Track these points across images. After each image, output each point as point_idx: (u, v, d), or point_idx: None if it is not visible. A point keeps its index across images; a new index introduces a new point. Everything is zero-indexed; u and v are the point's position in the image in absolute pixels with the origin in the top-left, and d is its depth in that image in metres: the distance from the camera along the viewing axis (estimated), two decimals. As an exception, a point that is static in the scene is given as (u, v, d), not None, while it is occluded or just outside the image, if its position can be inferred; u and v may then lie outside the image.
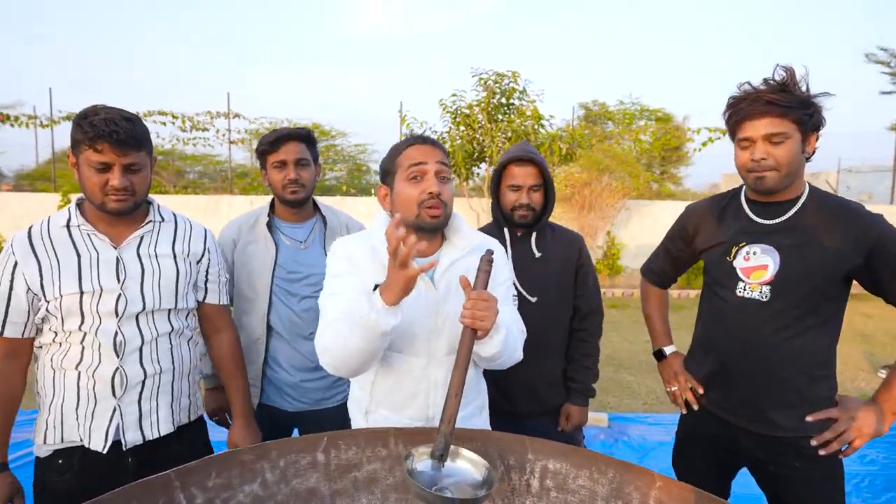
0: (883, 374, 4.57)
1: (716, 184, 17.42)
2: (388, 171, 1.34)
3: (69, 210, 1.40)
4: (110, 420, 1.39)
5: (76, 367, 1.37)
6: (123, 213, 1.38)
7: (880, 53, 10.82)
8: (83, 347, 1.37)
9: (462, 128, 9.40)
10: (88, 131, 1.30)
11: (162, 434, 1.47)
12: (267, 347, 1.80)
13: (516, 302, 1.46)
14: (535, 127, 9.42)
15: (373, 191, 13.09)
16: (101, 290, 1.36)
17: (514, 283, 1.74)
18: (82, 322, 1.36)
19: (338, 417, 1.82)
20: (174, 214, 1.56)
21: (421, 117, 10.95)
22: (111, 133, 1.30)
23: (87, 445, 1.39)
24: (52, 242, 1.36)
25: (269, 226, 1.80)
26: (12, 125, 11.03)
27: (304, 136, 1.78)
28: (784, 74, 1.35)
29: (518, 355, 1.36)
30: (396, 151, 1.33)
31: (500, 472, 1.13)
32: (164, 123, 11.22)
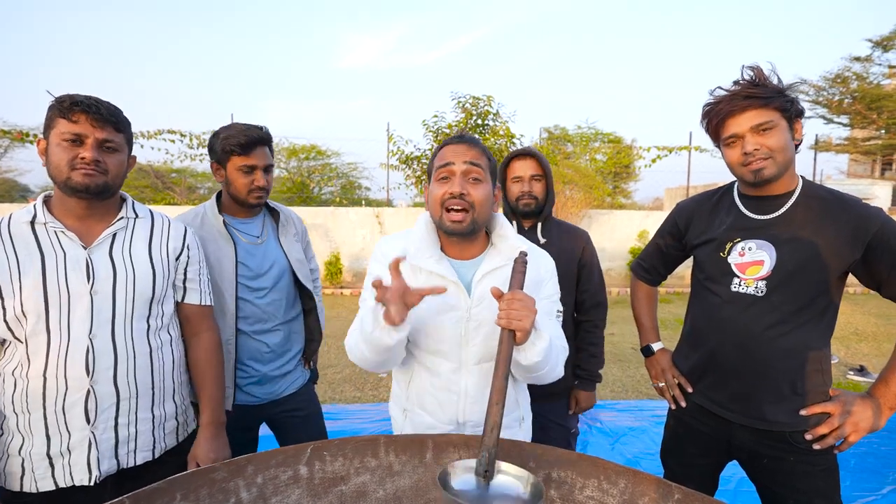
0: (852, 375, 4.29)
1: (658, 197, 17.62)
2: (428, 172, 1.17)
3: (34, 206, 1.12)
4: (88, 450, 1.10)
5: (42, 405, 1.08)
6: (91, 190, 1.09)
7: (800, 84, 11.01)
8: (45, 379, 1.07)
9: (443, 146, 9.24)
10: (65, 101, 1.06)
11: (138, 463, 1.18)
12: (237, 346, 1.55)
13: (560, 318, 1.24)
14: (508, 145, 9.29)
15: (363, 202, 12.81)
16: (69, 295, 1.08)
17: None
18: (48, 337, 1.07)
19: (305, 398, 1.71)
20: (150, 211, 1.28)
21: (406, 136, 10.72)
22: (89, 105, 1.07)
23: (64, 485, 1.10)
24: (11, 239, 1.08)
25: (226, 225, 1.53)
26: (32, 142, 10.44)
27: (269, 140, 1.55)
28: (752, 72, 1.21)
29: (560, 371, 1.12)
30: (435, 152, 1.15)
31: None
32: (173, 141, 10.78)
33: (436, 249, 1.13)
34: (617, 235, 9.89)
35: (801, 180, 1.25)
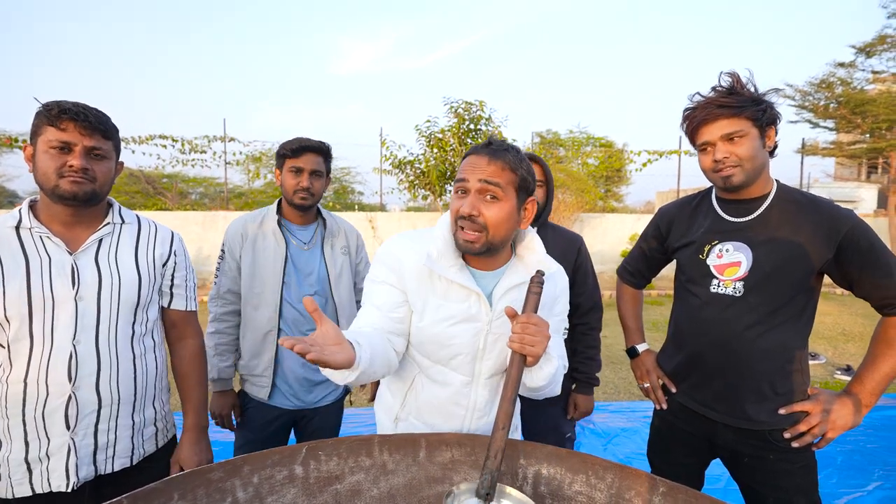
0: (839, 375, 4.36)
1: (650, 201, 17.74)
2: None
3: (20, 211, 1.10)
4: (67, 456, 1.09)
5: (21, 410, 1.06)
6: (79, 198, 1.08)
7: (787, 89, 11.13)
8: (26, 385, 1.06)
9: (435, 150, 9.27)
10: (53, 108, 1.06)
11: (116, 469, 1.17)
12: (277, 339, 1.64)
13: (566, 334, 1.24)
14: (500, 150, 9.34)
15: (356, 207, 12.80)
16: (54, 300, 1.07)
17: None
18: (31, 343, 1.06)
19: (336, 412, 1.78)
20: (137, 216, 1.27)
21: (400, 141, 10.76)
22: (78, 113, 1.07)
23: (41, 491, 1.09)
24: None
25: (280, 225, 1.68)
26: (21, 148, 10.34)
27: (324, 150, 1.69)
28: (730, 79, 1.25)
29: (557, 389, 1.10)
30: (464, 157, 1.06)
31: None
32: (165, 146, 10.72)
33: (458, 258, 1.05)
34: (609, 239, 9.97)
35: (775, 184, 1.29)
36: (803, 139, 12.08)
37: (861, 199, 15.88)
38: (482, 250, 1.01)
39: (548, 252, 1.65)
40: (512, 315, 0.93)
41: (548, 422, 1.71)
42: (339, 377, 0.89)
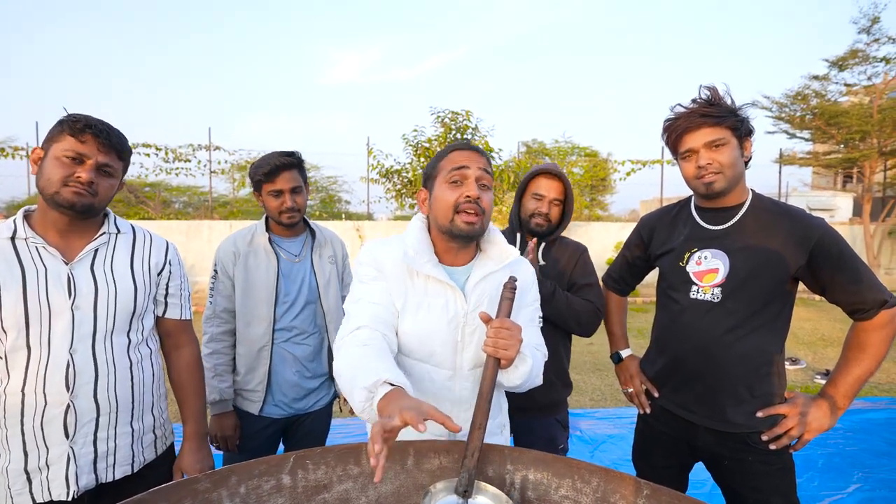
0: (818, 379, 4.43)
1: (635, 209, 18.00)
2: (429, 175, 1.15)
3: (14, 221, 1.11)
4: (67, 465, 1.09)
5: (20, 420, 1.07)
6: (77, 208, 1.09)
7: (763, 101, 11.45)
8: (24, 395, 1.06)
9: (422, 159, 9.30)
10: (79, 121, 1.09)
11: (117, 477, 1.17)
12: (272, 353, 1.67)
13: (541, 323, 1.26)
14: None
15: (343, 216, 12.76)
16: (50, 310, 1.08)
17: None
18: (28, 353, 1.06)
19: (325, 416, 1.81)
20: (132, 226, 1.28)
21: (387, 150, 10.78)
22: (101, 130, 1.10)
23: (41, 500, 1.09)
24: None
25: (271, 241, 1.69)
26: (4, 156, 10.10)
27: (297, 164, 1.67)
28: (709, 93, 1.30)
29: (539, 380, 1.13)
30: (440, 156, 1.14)
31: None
32: (149, 155, 10.59)
33: (432, 255, 1.13)
34: (594, 247, 10.04)
35: (751, 193, 1.34)
36: (781, 149, 12.40)
37: (837, 207, 16.30)
38: (479, 233, 1.10)
39: (550, 262, 1.65)
40: (486, 320, 0.98)
41: (542, 432, 1.70)
42: (370, 413, 0.85)
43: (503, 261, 1.14)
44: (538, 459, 0.95)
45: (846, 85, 11.03)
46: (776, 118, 11.66)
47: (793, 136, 11.88)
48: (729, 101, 1.29)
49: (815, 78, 11.01)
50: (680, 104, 1.33)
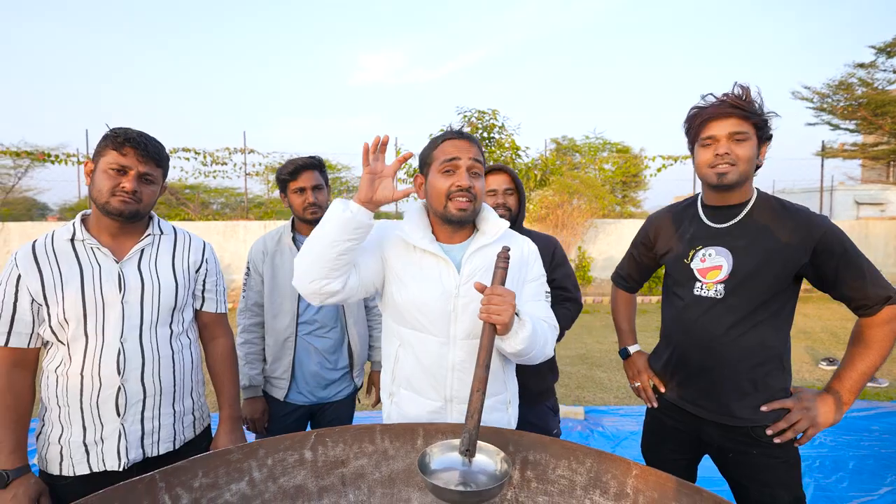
0: (823, 365, 4.46)
1: (669, 206, 17.49)
2: (424, 162, 1.25)
3: (73, 225, 1.27)
4: (118, 440, 1.25)
5: (79, 399, 1.22)
6: (125, 215, 1.25)
7: (804, 91, 10.99)
8: (82, 377, 1.22)
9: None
10: (120, 136, 1.24)
11: (161, 453, 1.32)
12: (295, 344, 1.81)
13: (548, 298, 1.33)
14: (513, 157, 9.42)
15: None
16: (104, 303, 1.24)
17: None
18: (86, 340, 1.22)
19: (349, 406, 1.94)
20: (174, 227, 1.43)
21: (414, 151, 10.91)
22: (140, 143, 1.25)
23: (97, 470, 1.24)
24: (55, 255, 1.23)
25: (294, 240, 1.84)
26: (53, 162, 10.81)
27: (318, 165, 1.84)
28: (741, 91, 1.31)
29: (549, 350, 1.20)
30: (434, 144, 1.23)
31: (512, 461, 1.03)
32: (188, 159, 11.11)
33: (427, 232, 1.24)
34: (623, 244, 9.93)
35: (755, 192, 1.36)
36: (823, 142, 11.88)
37: (889, 201, 15.44)
38: (471, 217, 1.20)
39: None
40: (481, 289, 1.04)
41: (535, 419, 1.78)
42: (365, 215, 1.09)
43: (494, 235, 1.23)
44: (536, 442, 1.03)
45: (895, 72, 10.47)
46: (818, 109, 11.17)
47: (836, 127, 11.36)
48: (759, 104, 1.30)
49: (861, 66, 10.50)
50: (712, 94, 1.35)
